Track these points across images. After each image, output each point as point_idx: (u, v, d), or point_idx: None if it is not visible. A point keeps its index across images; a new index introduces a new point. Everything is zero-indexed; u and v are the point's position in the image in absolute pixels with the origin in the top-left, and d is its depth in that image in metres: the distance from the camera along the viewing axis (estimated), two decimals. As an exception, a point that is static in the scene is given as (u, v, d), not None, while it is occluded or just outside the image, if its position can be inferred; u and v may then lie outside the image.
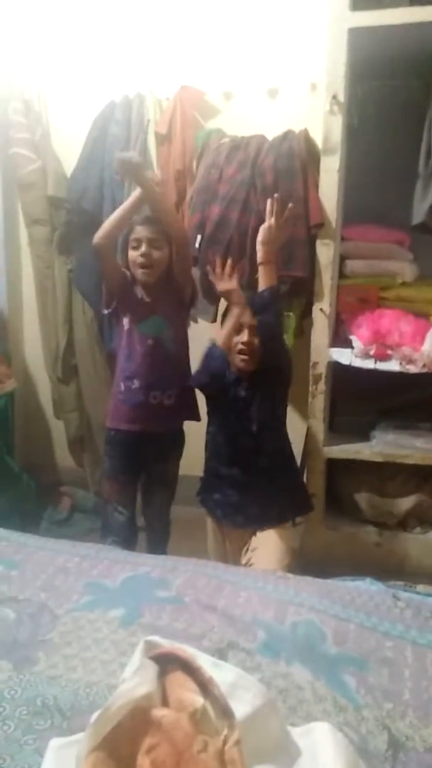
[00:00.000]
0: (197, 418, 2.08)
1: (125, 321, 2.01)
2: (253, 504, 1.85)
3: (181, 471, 2.19)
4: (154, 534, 2.19)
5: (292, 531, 1.89)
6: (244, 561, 1.82)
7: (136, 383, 2.00)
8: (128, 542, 2.08)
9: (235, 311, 1.80)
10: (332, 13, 2.12)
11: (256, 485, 1.85)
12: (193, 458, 2.21)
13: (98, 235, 1.93)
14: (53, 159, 2.73)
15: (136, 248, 1.91)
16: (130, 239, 1.95)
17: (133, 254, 1.93)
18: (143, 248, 1.89)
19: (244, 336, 1.78)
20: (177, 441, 2.13)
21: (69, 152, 2.68)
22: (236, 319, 1.78)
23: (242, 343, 1.78)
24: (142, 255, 1.89)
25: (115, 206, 2.53)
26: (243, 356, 1.80)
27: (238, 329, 1.79)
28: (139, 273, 1.94)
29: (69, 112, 2.75)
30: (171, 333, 2.01)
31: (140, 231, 1.91)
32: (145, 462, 2.10)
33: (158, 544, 2.18)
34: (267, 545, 1.80)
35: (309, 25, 2.43)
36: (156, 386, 1.99)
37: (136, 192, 1.92)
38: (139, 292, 2.01)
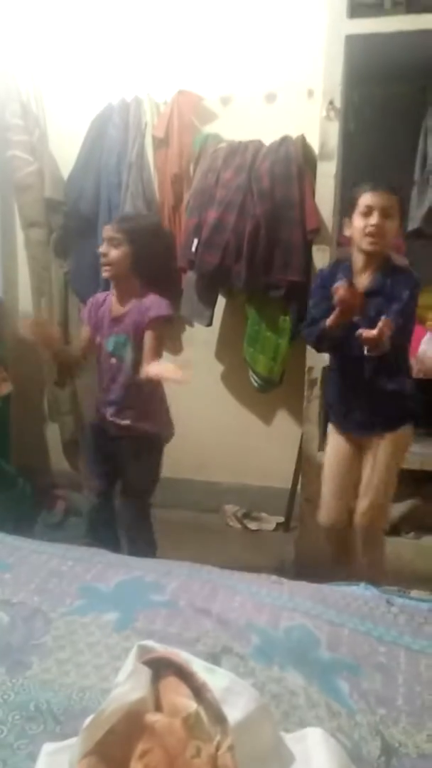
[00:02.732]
0: (156, 443, 2.05)
1: (97, 335, 2.01)
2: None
3: (180, 474, 2.18)
4: (129, 533, 2.14)
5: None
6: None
7: (100, 396, 2.03)
8: (94, 529, 2.11)
9: None
10: (329, 20, 2.14)
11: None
12: (187, 462, 2.22)
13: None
14: (50, 161, 2.73)
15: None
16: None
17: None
18: (102, 247, 1.91)
19: (374, 218, 1.75)
20: (142, 446, 2.05)
21: (66, 155, 2.68)
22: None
23: (372, 225, 1.75)
24: (101, 253, 1.91)
25: (111, 209, 2.55)
26: (372, 239, 1.77)
27: (366, 212, 1.76)
28: (101, 271, 1.95)
29: (66, 115, 2.75)
30: (133, 356, 1.93)
31: (105, 230, 1.93)
32: (110, 457, 2.07)
33: (135, 548, 2.10)
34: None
35: (307, 32, 2.45)
36: (112, 405, 1.99)
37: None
38: (114, 303, 1.98)
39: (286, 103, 2.58)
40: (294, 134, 2.41)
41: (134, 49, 2.67)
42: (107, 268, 1.91)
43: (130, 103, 2.57)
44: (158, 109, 2.58)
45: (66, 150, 2.68)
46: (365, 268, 1.83)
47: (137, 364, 1.91)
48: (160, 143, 2.55)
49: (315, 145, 2.31)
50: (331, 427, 2.05)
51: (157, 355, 1.90)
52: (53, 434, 3.09)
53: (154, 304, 1.92)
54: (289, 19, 2.52)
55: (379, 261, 1.82)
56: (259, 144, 2.44)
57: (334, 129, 2.20)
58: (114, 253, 1.88)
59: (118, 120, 2.55)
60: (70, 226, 2.70)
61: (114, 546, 2.02)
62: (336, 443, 2.02)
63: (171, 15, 2.61)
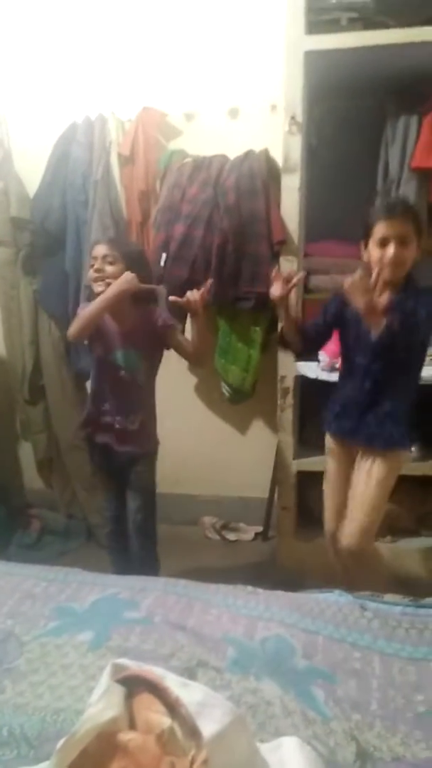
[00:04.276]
0: (155, 447, 2.13)
1: (97, 347, 2.04)
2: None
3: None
4: (135, 545, 2.17)
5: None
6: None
7: (105, 406, 2.05)
8: (118, 534, 2.18)
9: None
10: (288, 36, 2.18)
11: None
12: (164, 476, 2.22)
13: (72, 332, 1.96)
14: (15, 180, 2.72)
15: (92, 265, 1.97)
16: (90, 259, 2.00)
17: (90, 271, 1.98)
18: (97, 263, 1.94)
19: (391, 249, 1.72)
20: (145, 458, 2.12)
21: (31, 174, 2.67)
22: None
23: (389, 257, 1.73)
24: (95, 270, 1.95)
25: (78, 227, 2.56)
26: (389, 269, 1.74)
27: (383, 242, 1.73)
28: (94, 287, 1.97)
29: (30, 134, 2.75)
30: (145, 366, 2.05)
31: (96, 249, 1.97)
32: (116, 469, 2.13)
33: (142, 558, 2.16)
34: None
35: (268, 48, 2.49)
36: (123, 412, 2.04)
37: (112, 289, 1.90)
38: (110, 322, 2.01)
39: (250, 118, 2.61)
40: (258, 148, 2.45)
41: (98, 68, 2.68)
42: (102, 283, 1.94)
43: (95, 121, 2.58)
44: (123, 126, 2.60)
45: (31, 169, 2.68)
46: (386, 286, 1.77)
47: (146, 373, 2.05)
48: (126, 160, 2.56)
49: (279, 158, 2.34)
50: (329, 443, 2.05)
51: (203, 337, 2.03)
52: (26, 453, 3.06)
53: (162, 314, 2.04)
54: (250, 35, 2.56)
55: (400, 280, 1.81)
56: (223, 159, 2.47)
57: (297, 143, 2.24)
58: (110, 269, 1.94)
59: (82, 138, 2.55)
60: (37, 244, 2.70)
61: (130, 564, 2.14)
62: (335, 456, 2.03)
63: (133, 33, 2.64)
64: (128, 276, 1.90)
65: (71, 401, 2.75)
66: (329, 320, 1.95)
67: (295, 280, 1.86)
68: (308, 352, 2.11)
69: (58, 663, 1.17)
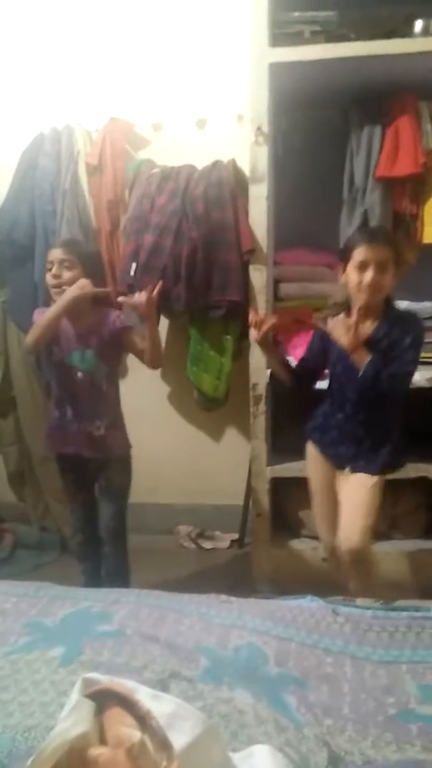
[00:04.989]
0: (126, 451, 2.12)
1: (55, 350, 2.03)
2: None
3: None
4: (108, 551, 2.15)
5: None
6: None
7: (69, 412, 2.04)
8: (90, 541, 2.15)
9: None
10: (253, 48, 2.21)
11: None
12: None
13: (29, 342, 1.96)
14: (-18, 191, 2.70)
15: (49, 269, 1.96)
16: (46, 263, 1.98)
17: (47, 276, 1.96)
18: (54, 269, 1.93)
19: (369, 274, 1.74)
20: (116, 463, 2.11)
21: (-2, 185, 2.66)
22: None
23: (367, 282, 1.75)
24: (53, 275, 1.94)
25: (47, 237, 2.54)
26: (367, 295, 1.76)
27: (362, 267, 1.76)
28: (52, 293, 1.97)
29: (-3, 145, 2.74)
30: (103, 368, 2.02)
31: (52, 253, 1.96)
32: (87, 479, 2.12)
33: (114, 566, 2.14)
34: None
35: (234, 59, 2.52)
36: (87, 416, 2.03)
37: (67, 295, 1.90)
38: (66, 323, 2.00)
39: (217, 129, 2.64)
40: (225, 158, 2.47)
41: (65, 79, 2.69)
42: (59, 290, 1.93)
43: (62, 131, 2.57)
44: (90, 136, 2.60)
45: (-3, 180, 2.66)
46: (366, 316, 1.81)
47: (107, 375, 2.03)
48: (94, 170, 2.56)
49: (246, 168, 2.36)
50: (310, 453, 2.05)
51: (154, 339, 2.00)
52: (-3, 466, 3.02)
53: (119, 317, 2.02)
54: (216, 47, 2.59)
55: (380, 308, 1.84)
56: (191, 169, 2.49)
57: (263, 153, 2.26)
58: (67, 275, 1.93)
59: (50, 148, 2.55)
60: (5, 255, 2.67)
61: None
62: (320, 470, 2.03)
63: (100, 44, 2.65)
64: (82, 282, 1.90)
65: (42, 413, 2.72)
66: (316, 355, 1.99)
67: (265, 328, 1.87)
68: (307, 388, 2.09)
69: (28, 679, 1.15)
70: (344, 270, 1.84)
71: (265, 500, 2.48)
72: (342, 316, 1.80)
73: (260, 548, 2.50)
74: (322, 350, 1.95)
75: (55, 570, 2.62)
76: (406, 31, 2.21)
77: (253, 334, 1.92)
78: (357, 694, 1.11)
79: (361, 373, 1.78)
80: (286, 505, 2.59)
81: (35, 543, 2.81)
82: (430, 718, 1.06)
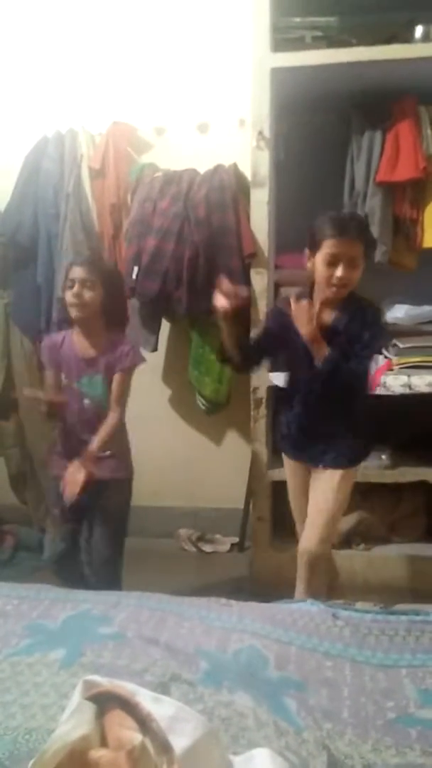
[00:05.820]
0: (127, 474, 2.09)
1: (63, 375, 2.01)
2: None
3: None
4: (91, 568, 2.08)
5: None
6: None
7: (73, 441, 2.01)
8: (64, 570, 2.09)
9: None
10: (255, 53, 2.22)
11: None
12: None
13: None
14: (-15, 195, 2.71)
15: (70, 287, 1.92)
16: (67, 279, 1.95)
17: (67, 294, 1.94)
18: (75, 288, 1.90)
19: (340, 270, 1.67)
20: (116, 483, 2.06)
21: (1, 187, 2.66)
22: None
23: (338, 277, 1.68)
24: (73, 295, 1.91)
25: (50, 240, 2.56)
26: (336, 288, 1.71)
27: (332, 262, 1.67)
28: (71, 311, 1.95)
29: (1, 148, 2.75)
30: (109, 393, 1.98)
31: (75, 271, 1.93)
32: (80, 505, 2.00)
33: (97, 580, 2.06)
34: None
35: (235, 64, 2.53)
36: (89, 441, 1.96)
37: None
38: (80, 344, 1.99)
39: (219, 133, 2.65)
40: (227, 163, 2.48)
41: (68, 82, 2.70)
42: (79, 309, 1.91)
43: (65, 135, 2.59)
44: (93, 140, 2.61)
45: (1, 183, 2.67)
46: (327, 304, 1.78)
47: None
48: (97, 174, 2.57)
49: (248, 172, 2.38)
50: (284, 457, 2.06)
51: (123, 399, 1.98)
52: (-1, 468, 3.03)
53: (131, 352, 1.98)
54: (219, 52, 2.61)
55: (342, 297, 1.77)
56: (193, 173, 2.50)
57: (265, 158, 2.28)
58: (88, 295, 1.90)
59: (53, 152, 2.56)
60: (8, 257, 2.68)
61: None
62: (292, 471, 2.03)
63: (104, 49, 2.66)
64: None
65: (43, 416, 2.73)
66: (275, 334, 1.89)
67: (236, 301, 1.76)
68: (248, 368, 2.06)
69: (30, 681, 1.16)
70: (311, 257, 1.74)
71: (265, 504, 2.49)
72: (305, 302, 1.72)
73: (260, 552, 2.51)
74: (281, 331, 1.85)
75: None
76: (406, 37, 2.23)
77: (221, 301, 1.74)
78: (357, 697, 1.12)
79: (320, 366, 1.72)
80: (287, 509, 2.59)
81: (36, 545, 2.81)
82: (430, 722, 1.06)
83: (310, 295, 1.80)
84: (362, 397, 1.90)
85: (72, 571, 2.08)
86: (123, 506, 2.09)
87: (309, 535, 1.90)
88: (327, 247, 1.68)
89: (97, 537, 2.04)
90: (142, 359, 2.04)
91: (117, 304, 2.01)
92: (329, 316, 1.78)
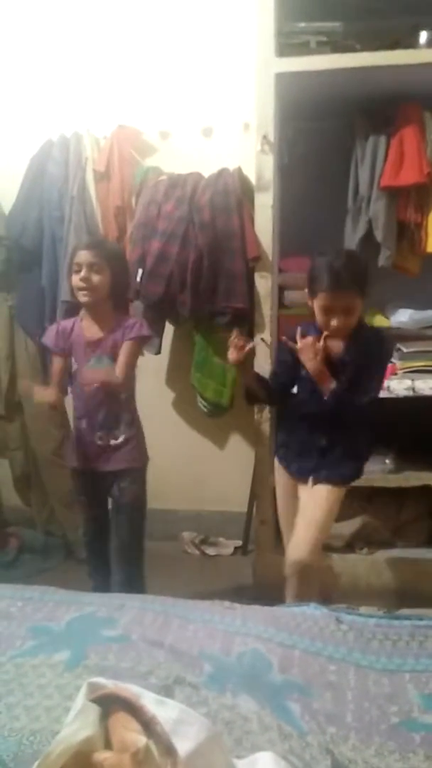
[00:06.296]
0: (143, 462, 2.09)
1: (72, 361, 2.02)
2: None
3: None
4: (117, 571, 2.11)
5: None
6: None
7: (84, 423, 2.01)
8: (99, 557, 2.13)
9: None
10: (259, 58, 2.23)
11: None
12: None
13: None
14: (-9, 198, 2.72)
15: (77, 272, 1.92)
16: (73, 263, 1.95)
17: (74, 278, 1.93)
18: (83, 272, 1.90)
19: (336, 321, 1.75)
20: (132, 473, 2.07)
21: (6, 190, 2.68)
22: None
23: (333, 326, 1.75)
24: (81, 279, 1.91)
25: (55, 243, 2.57)
26: (332, 334, 1.78)
27: (327, 312, 1.75)
28: (79, 296, 1.95)
29: (6, 151, 2.76)
30: None
31: (81, 255, 1.92)
32: (100, 493, 2.09)
33: (126, 579, 2.09)
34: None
35: (240, 69, 2.55)
36: (102, 428, 1.99)
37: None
38: (87, 328, 2.00)
39: (223, 137, 2.66)
40: (231, 167, 2.49)
41: (73, 86, 2.71)
42: (88, 293, 1.91)
43: (70, 138, 2.60)
44: (98, 143, 2.62)
45: (7, 186, 2.68)
46: (335, 337, 1.82)
47: (125, 381, 1.98)
48: (102, 177, 2.59)
49: (252, 176, 2.38)
50: (276, 464, 2.07)
51: (128, 367, 1.96)
52: (3, 470, 3.03)
53: (137, 324, 2.00)
54: (223, 57, 2.62)
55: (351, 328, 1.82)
56: (198, 176, 2.50)
57: (269, 162, 2.28)
58: (96, 279, 1.90)
59: (58, 155, 2.57)
60: (13, 260, 2.69)
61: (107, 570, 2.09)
62: (283, 480, 2.05)
63: (109, 53, 2.68)
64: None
65: (48, 417, 2.73)
66: (289, 367, 1.94)
67: (247, 348, 1.84)
68: (276, 399, 2.08)
69: (34, 683, 1.16)
70: (311, 300, 1.82)
71: (268, 507, 2.48)
72: (311, 338, 1.79)
73: (264, 555, 2.50)
74: (293, 363, 1.90)
75: (59, 575, 2.62)
76: (411, 42, 2.24)
77: (232, 354, 1.84)
78: (360, 702, 1.12)
79: (326, 398, 1.80)
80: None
81: (40, 547, 2.82)
82: (433, 727, 1.06)
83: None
84: (367, 424, 1.93)
85: (100, 556, 2.12)
86: (141, 494, 2.10)
87: (298, 547, 1.90)
88: (322, 299, 1.76)
89: (120, 524, 2.06)
90: (150, 334, 2.04)
91: (123, 285, 2.01)
92: (338, 347, 1.84)
